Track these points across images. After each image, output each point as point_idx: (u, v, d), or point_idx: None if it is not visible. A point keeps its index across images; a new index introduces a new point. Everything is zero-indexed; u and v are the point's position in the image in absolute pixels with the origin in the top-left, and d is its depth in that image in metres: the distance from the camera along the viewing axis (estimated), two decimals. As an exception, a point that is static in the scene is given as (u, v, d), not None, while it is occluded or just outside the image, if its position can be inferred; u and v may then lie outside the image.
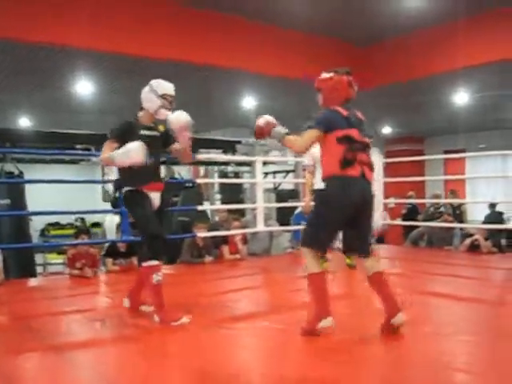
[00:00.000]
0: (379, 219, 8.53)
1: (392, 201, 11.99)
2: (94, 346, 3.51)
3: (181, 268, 7.04)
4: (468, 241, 7.64)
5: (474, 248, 7.55)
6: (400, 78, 10.03)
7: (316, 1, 8.04)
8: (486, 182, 16.26)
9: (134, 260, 6.45)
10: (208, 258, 7.18)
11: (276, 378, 2.81)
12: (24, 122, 13.36)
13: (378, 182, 8.61)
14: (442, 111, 13.34)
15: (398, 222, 11.08)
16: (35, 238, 17.60)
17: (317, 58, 9.68)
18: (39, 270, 10.65)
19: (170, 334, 3.77)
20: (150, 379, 2.79)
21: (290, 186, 10.90)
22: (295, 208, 8.88)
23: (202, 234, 7.03)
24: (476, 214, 12.78)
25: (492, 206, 11.41)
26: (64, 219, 18.09)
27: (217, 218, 8.38)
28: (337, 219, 3.57)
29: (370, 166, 3.71)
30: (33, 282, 6.80)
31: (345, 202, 3.53)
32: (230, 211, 8.14)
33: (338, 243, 8.02)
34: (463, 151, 15.73)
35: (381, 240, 10.50)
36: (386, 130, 16.69)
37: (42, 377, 3.00)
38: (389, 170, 14.78)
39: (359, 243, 3.70)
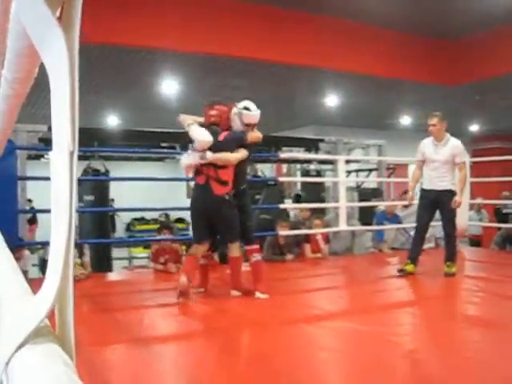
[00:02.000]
0: (463, 220, 8.26)
1: (479, 201, 11.58)
2: (176, 340, 3.57)
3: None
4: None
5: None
6: (491, 73, 9.67)
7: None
8: None
9: (215, 256, 6.52)
10: (289, 256, 7.18)
11: (353, 379, 2.77)
12: (112, 121, 13.80)
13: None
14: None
15: (484, 224, 10.67)
16: (121, 233, 18.25)
17: (402, 54, 9.52)
18: (125, 263, 10.99)
19: (251, 330, 3.80)
20: (228, 374, 2.80)
21: (373, 185, 10.73)
22: (377, 207, 8.75)
23: (283, 232, 7.03)
24: None
25: None
26: (149, 215, 18.56)
27: (299, 217, 8.33)
28: (193, 217, 4.85)
29: (217, 180, 4.64)
30: (118, 275, 7.01)
31: (192, 204, 4.89)
32: (312, 210, 8.10)
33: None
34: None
35: (476, 243, 10.15)
36: (474, 127, 16.17)
37: (125, 368, 3.07)
38: (476, 169, 14.34)
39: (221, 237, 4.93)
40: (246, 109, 4.88)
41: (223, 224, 4.74)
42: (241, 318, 4.23)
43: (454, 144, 5.87)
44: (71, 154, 0.69)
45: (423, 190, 6.07)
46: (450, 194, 5.75)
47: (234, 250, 4.82)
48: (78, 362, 2.38)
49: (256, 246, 5.00)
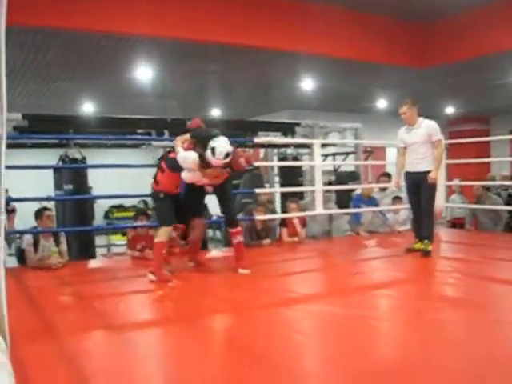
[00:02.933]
0: (440, 202, 8.34)
1: (456, 183, 11.70)
2: (153, 326, 3.59)
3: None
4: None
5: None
6: (466, 56, 9.74)
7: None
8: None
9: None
10: (266, 241, 7.21)
11: (331, 362, 2.81)
12: (87, 108, 13.69)
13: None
14: (509, 89, 12.90)
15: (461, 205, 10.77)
16: (99, 220, 18.18)
17: (377, 37, 9.54)
18: (103, 251, 10.96)
19: (228, 314, 3.83)
20: (204, 360, 2.82)
21: (350, 168, 10.78)
22: (354, 190, 8.80)
23: (260, 216, 7.06)
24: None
25: None
26: (127, 202, 18.51)
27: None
28: None
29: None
30: (95, 263, 7.00)
31: None
32: (288, 194, 8.15)
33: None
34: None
35: (460, 226, 10.21)
36: (450, 109, 16.29)
37: (103, 355, 3.09)
38: (452, 151, 14.48)
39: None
40: (212, 150, 4.89)
41: None
42: (218, 302, 4.26)
43: (427, 124, 6.08)
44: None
45: (405, 173, 6.27)
46: (428, 175, 5.93)
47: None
48: (56, 348, 2.41)
49: (239, 229, 5.39)
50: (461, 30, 9.60)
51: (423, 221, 6.16)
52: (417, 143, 6.05)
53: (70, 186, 7.45)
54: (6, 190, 8.90)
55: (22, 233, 6.43)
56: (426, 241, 6.01)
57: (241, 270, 5.23)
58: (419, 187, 6.05)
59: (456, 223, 10.68)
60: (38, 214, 6.19)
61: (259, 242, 7.13)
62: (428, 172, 5.94)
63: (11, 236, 7.59)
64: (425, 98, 14.05)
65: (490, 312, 3.69)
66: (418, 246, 6.10)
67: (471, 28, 9.37)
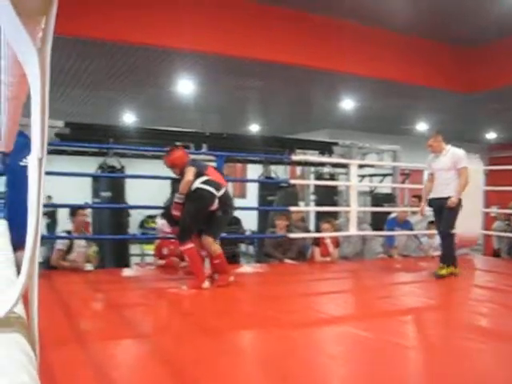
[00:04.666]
0: (476, 228, 8.24)
1: (494, 210, 11.53)
2: (178, 338, 3.60)
3: (271, 267, 7.13)
4: None
5: None
6: (508, 82, 9.61)
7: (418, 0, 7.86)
8: None
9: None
10: (287, 256, 7.28)
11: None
12: (128, 118, 13.90)
13: (477, 189, 8.33)
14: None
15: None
16: (134, 229, 18.39)
17: (420, 59, 9.49)
18: (137, 260, 11.08)
19: (255, 332, 3.83)
20: (230, 374, 2.83)
21: (387, 190, 10.72)
22: (390, 213, 8.74)
23: (294, 235, 7.09)
24: None
25: None
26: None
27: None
28: None
29: None
30: (127, 271, 7.07)
31: None
32: (322, 213, 8.14)
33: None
34: None
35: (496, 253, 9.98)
36: (491, 135, 16.08)
37: (131, 364, 3.11)
38: (492, 177, 14.27)
39: None
40: None
41: None
42: (245, 317, 4.26)
43: (453, 152, 6.31)
44: (40, 160, 0.74)
45: (431, 200, 6.46)
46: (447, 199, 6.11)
47: None
48: (84, 355, 2.44)
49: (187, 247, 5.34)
50: (503, 56, 9.47)
51: (442, 243, 6.35)
52: (442, 170, 6.27)
53: (108, 194, 7.58)
54: (49, 197, 9.25)
55: (57, 238, 6.56)
56: (441, 264, 6.15)
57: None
58: (442, 212, 6.19)
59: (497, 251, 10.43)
60: (74, 212, 6.42)
61: (280, 257, 7.20)
62: (450, 197, 6.09)
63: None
64: (466, 123, 13.96)
65: None
66: (444, 271, 6.15)
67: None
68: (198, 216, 5.26)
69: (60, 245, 6.17)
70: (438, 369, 3.05)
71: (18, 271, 0.72)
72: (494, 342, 3.62)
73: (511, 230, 8.56)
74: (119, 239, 7.75)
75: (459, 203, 6.13)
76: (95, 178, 8.05)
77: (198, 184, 5.24)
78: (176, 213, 5.30)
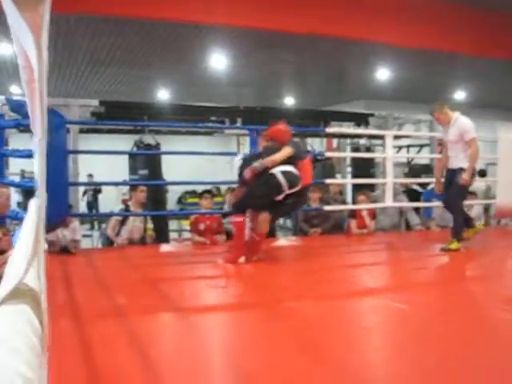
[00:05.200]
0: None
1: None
2: (217, 312, 3.64)
3: (307, 240, 7.14)
4: None
5: None
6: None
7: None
8: None
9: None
10: (314, 230, 7.29)
11: (386, 358, 2.79)
12: (162, 95, 13.97)
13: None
14: None
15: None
16: (172, 205, 18.61)
17: (459, 26, 9.27)
18: (175, 235, 11.22)
19: (291, 304, 3.84)
20: (266, 345, 2.86)
21: (425, 161, 10.58)
22: (428, 184, 8.63)
23: (330, 207, 7.09)
24: None
25: None
26: (200, 188, 18.84)
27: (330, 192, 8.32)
28: None
29: None
30: (165, 247, 7.16)
31: None
32: (359, 185, 8.10)
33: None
34: None
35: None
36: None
37: (168, 339, 3.14)
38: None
39: None
40: None
41: None
42: (282, 291, 4.28)
43: (460, 123, 5.97)
44: (40, 140, 0.76)
45: (446, 171, 6.26)
46: (461, 171, 5.87)
47: None
48: (122, 330, 2.49)
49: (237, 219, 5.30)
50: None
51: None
52: (450, 141, 6.02)
53: (145, 171, 7.68)
54: (91, 175, 9.54)
55: (95, 216, 6.70)
56: (452, 239, 5.91)
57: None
58: (452, 183, 6.00)
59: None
60: (133, 188, 6.70)
61: (314, 230, 7.19)
62: (460, 169, 5.87)
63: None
64: (504, 91, 13.63)
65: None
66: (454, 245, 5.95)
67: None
68: (260, 199, 5.16)
69: (115, 218, 6.39)
70: (473, 341, 3.03)
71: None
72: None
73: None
74: (159, 215, 7.85)
75: (473, 176, 5.94)
76: (132, 155, 8.15)
77: (277, 170, 5.07)
78: (248, 176, 5.15)
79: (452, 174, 6.00)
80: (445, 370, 2.50)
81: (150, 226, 6.61)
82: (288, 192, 5.07)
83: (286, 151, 5.13)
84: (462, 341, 3.03)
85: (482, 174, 11.67)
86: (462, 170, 5.87)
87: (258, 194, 5.14)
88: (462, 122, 5.99)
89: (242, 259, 5.16)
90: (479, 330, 3.23)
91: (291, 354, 2.80)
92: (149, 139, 7.89)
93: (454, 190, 5.98)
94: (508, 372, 2.51)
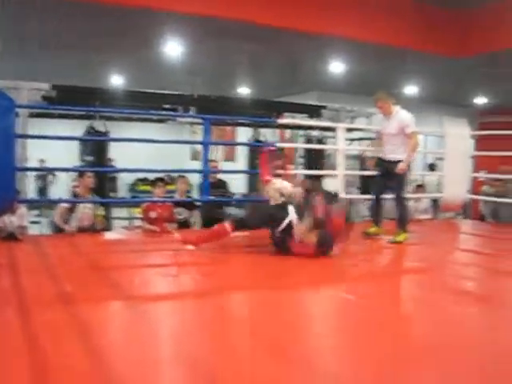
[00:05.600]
0: (461, 193, 8.30)
1: (482, 175, 11.58)
2: (167, 300, 3.63)
3: (260, 231, 7.17)
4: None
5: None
6: (498, 46, 9.54)
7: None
8: None
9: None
10: None
11: (333, 345, 2.85)
12: (116, 81, 13.76)
13: (464, 154, 8.36)
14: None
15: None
16: (124, 193, 18.42)
17: (411, 23, 9.40)
18: (125, 223, 11.10)
19: (237, 294, 3.87)
20: (215, 338, 2.86)
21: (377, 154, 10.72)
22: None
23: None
24: None
25: None
26: (153, 175, 18.69)
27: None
28: None
29: None
30: (114, 234, 7.09)
31: None
32: (311, 177, 8.16)
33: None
34: None
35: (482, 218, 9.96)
36: (481, 100, 16.01)
37: (118, 326, 3.14)
38: (482, 142, 14.27)
39: None
40: None
41: None
42: (232, 280, 4.29)
43: (401, 116, 6.24)
44: None
45: (379, 159, 6.55)
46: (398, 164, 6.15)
47: None
48: (70, 318, 2.45)
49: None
50: (496, 20, 9.39)
51: (396, 208, 6.37)
52: (390, 133, 6.24)
53: (91, 158, 7.59)
54: (42, 160, 9.36)
55: (41, 202, 6.58)
56: (397, 230, 6.15)
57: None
58: (389, 175, 6.26)
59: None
60: (81, 174, 6.57)
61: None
62: (398, 161, 6.12)
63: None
64: (455, 87, 13.90)
65: (502, 307, 3.69)
66: (374, 230, 6.40)
67: (507, 17, 9.16)
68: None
69: (63, 205, 6.28)
70: (419, 332, 3.12)
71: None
72: (479, 305, 3.69)
73: (501, 195, 8.57)
74: (107, 202, 7.75)
75: (408, 168, 6.24)
76: (82, 141, 8.03)
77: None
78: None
79: (390, 166, 6.20)
80: (392, 358, 2.58)
81: (101, 212, 6.51)
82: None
83: None
84: (408, 331, 3.12)
85: (432, 168, 11.94)
86: (400, 162, 6.12)
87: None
88: (402, 116, 6.21)
89: (190, 247, 5.18)
90: (426, 320, 3.32)
91: (241, 341, 2.83)
92: (100, 125, 7.78)
93: (396, 182, 6.24)
94: (454, 354, 2.60)
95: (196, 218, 7.19)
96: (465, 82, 13.26)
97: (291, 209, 5.07)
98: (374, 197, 6.64)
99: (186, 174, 7.87)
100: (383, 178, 6.41)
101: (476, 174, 11.24)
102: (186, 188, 7.61)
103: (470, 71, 11.64)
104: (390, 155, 6.25)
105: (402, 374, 2.41)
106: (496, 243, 6.77)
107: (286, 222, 5.01)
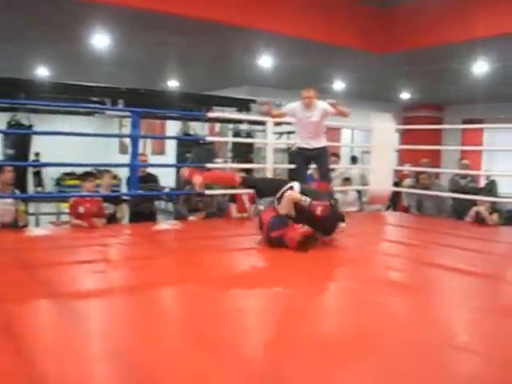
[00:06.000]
0: (386, 186, 8.53)
1: (406, 168, 11.94)
2: (96, 297, 3.57)
3: (188, 224, 7.17)
4: (472, 211, 7.58)
5: (481, 220, 7.48)
6: (420, 44, 9.87)
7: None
8: (504, 155, 16.10)
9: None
10: (198, 214, 7.30)
11: (264, 338, 2.90)
12: (42, 72, 13.41)
13: (389, 148, 8.60)
14: (462, 80, 13.13)
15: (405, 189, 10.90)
16: (50, 187, 17.98)
17: (337, 19, 9.58)
18: (52, 218, 10.85)
19: (168, 290, 3.87)
20: (144, 333, 2.86)
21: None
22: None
23: (210, 192, 7.12)
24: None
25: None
26: (80, 169, 18.33)
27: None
28: None
29: None
30: (42, 230, 6.92)
31: None
32: (240, 170, 8.19)
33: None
34: (482, 121, 15.52)
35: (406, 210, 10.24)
36: (405, 95, 16.51)
37: (44, 324, 3.06)
38: (406, 136, 14.74)
39: None
40: None
41: None
42: (161, 275, 4.27)
43: (322, 105, 6.82)
44: None
45: (300, 149, 7.04)
46: (325, 150, 6.91)
47: None
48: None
49: None
50: (418, 18, 9.70)
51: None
52: (314, 123, 6.78)
53: (11, 152, 7.39)
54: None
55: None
56: None
57: None
58: (310, 162, 7.01)
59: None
60: (0, 168, 6.27)
61: (195, 214, 7.23)
62: (323, 148, 6.87)
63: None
64: (380, 83, 14.27)
65: (425, 295, 3.82)
66: None
67: (427, 16, 9.48)
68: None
69: None
70: (349, 321, 3.21)
71: None
72: (403, 294, 3.81)
73: (422, 187, 8.85)
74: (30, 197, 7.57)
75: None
76: (5, 135, 7.81)
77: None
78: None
79: (317, 152, 6.85)
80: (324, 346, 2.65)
81: (23, 207, 6.34)
82: None
83: None
84: (331, 319, 3.20)
85: (354, 160, 12.23)
86: (324, 148, 6.90)
87: None
88: (323, 104, 6.81)
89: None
90: (350, 309, 3.42)
91: (173, 336, 2.84)
92: (23, 118, 7.59)
93: (326, 165, 7.05)
94: (383, 341, 2.70)
95: (123, 212, 7.11)
96: (390, 78, 13.64)
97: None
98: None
99: (115, 168, 7.77)
100: (306, 166, 7.08)
101: (401, 167, 11.59)
102: (111, 182, 7.49)
103: (393, 68, 11.98)
104: (314, 143, 6.84)
105: (326, 363, 2.48)
106: (421, 234, 6.99)
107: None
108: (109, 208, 6.80)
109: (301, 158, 7.01)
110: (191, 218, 7.29)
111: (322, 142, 6.90)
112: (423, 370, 2.44)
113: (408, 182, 10.53)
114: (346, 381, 2.30)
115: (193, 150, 9.13)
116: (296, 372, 2.37)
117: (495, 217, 7.42)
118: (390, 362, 2.51)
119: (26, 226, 6.49)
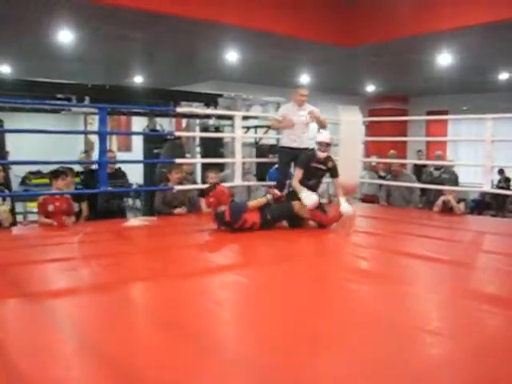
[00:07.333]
0: (354, 178, 8.61)
1: (373, 160, 12.07)
2: (68, 295, 3.56)
3: (158, 220, 7.16)
4: (439, 201, 7.71)
5: (449, 209, 7.61)
6: (385, 37, 9.97)
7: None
8: (467, 145, 16.42)
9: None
10: (178, 210, 7.27)
11: (240, 330, 2.93)
12: (4, 69, 13.19)
13: (356, 140, 8.69)
14: (427, 72, 13.31)
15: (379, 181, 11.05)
16: (16, 187, 17.65)
17: (302, 12, 9.61)
18: (19, 218, 10.67)
19: (142, 284, 3.88)
20: (120, 327, 2.87)
21: (272, 141, 10.92)
22: (275, 163, 8.93)
23: (178, 187, 7.11)
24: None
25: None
26: (46, 168, 18.05)
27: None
28: None
29: None
30: (9, 230, 6.82)
31: None
32: (208, 165, 8.20)
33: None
34: (446, 112, 15.78)
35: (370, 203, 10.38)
36: (370, 88, 16.66)
37: (16, 323, 3.04)
38: (372, 128, 14.90)
39: None
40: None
41: None
42: (132, 272, 4.27)
43: (311, 107, 7.30)
44: None
45: (284, 148, 7.36)
46: (308, 150, 6.93)
47: None
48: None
49: None
50: (383, 11, 9.80)
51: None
52: (302, 122, 7.21)
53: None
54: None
55: None
56: None
57: None
58: (293, 161, 7.06)
59: (366, 200, 10.90)
60: None
61: (172, 211, 7.19)
62: (307, 148, 7.01)
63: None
64: (346, 76, 14.38)
65: (396, 284, 3.90)
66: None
67: (392, 9, 9.58)
68: None
69: None
70: (321, 310, 3.26)
71: None
72: (372, 282, 3.89)
73: (393, 176, 9.00)
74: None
75: None
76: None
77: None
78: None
79: (297, 152, 6.96)
80: (293, 337, 2.69)
81: (8, 206, 6.24)
82: None
83: None
84: (303, 307, 3.25)
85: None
86: (307, 149, 6.94)
87: None
88: (309, 106, 7.22)
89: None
90: (322, 298, 3.47)
91: (149, 331, 2.86)
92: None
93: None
94: (355, 328, 2.75)
95: (84, 209, 7.02)
96: (355, 71, 13.75)
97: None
98: (283, 183, 7.28)
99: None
100: (289, 165, 7.24)
101: (368, 159, 11.71)
102: (74, 180, 7.41)
103: (359, 60, 12.08)
104: (299, 143, 7.20)
105: (299, 350, 2.53)
106: (390, 225, 7.11)
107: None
108: (74, 206, 6.74)
109: (286, 156, 7.26)
110: (177, 210, 7.23)
111: (306, 143, 7.18)
112: (398, 355, 2.50)
113: (363, 173, 10.78)
114: (320, 368, 2.35)
115: (165, 145, 9.08)
116: (269, 359, 2.41)
117: (462, 206, 7.56)
118: (365, 349, 2.56)
119: (13, 225, 6.48)
